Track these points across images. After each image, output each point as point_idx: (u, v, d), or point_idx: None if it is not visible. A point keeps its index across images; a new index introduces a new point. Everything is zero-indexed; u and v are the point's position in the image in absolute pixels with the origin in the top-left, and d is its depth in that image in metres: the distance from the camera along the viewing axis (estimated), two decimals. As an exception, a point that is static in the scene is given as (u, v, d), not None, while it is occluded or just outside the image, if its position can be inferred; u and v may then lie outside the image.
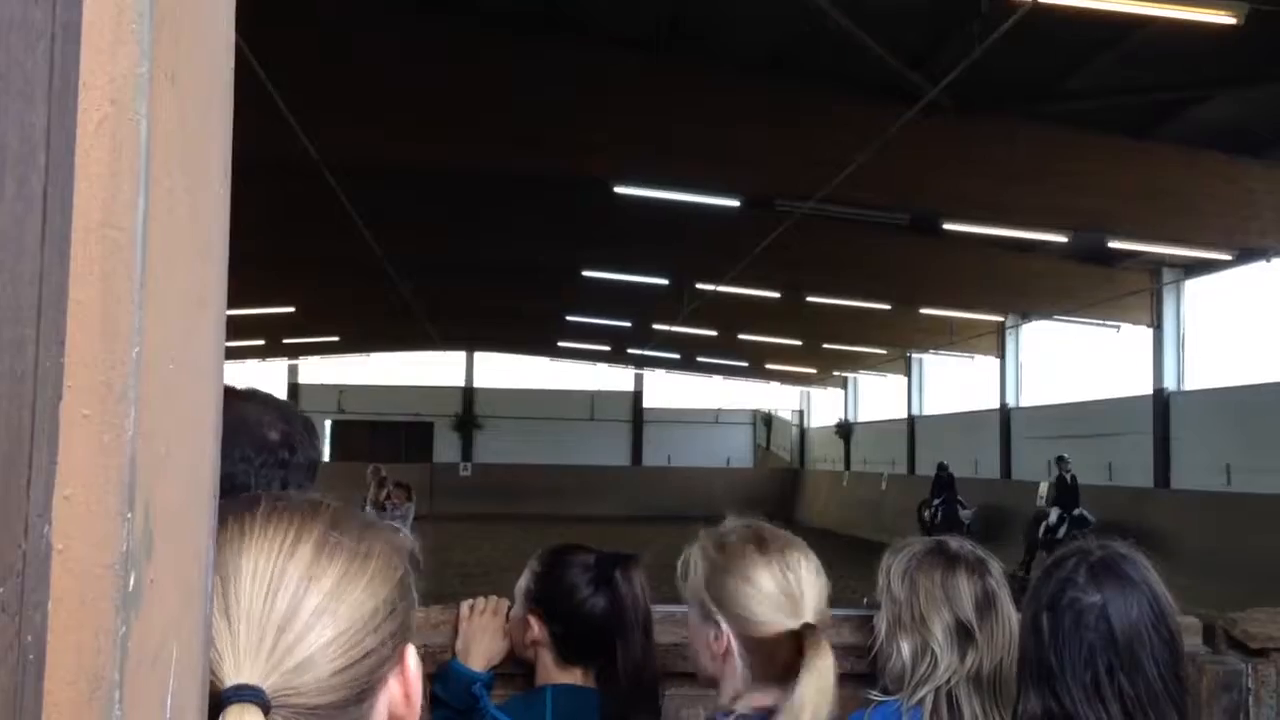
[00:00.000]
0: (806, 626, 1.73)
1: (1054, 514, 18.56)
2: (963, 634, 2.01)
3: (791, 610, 1.75)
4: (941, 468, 23.02)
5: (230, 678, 0.81)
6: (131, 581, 0.70)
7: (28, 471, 0.66)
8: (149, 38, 0.72)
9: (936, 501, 22.42)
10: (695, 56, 12.06)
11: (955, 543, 2.16)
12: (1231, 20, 8.42)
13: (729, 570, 1.78)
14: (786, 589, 1.76)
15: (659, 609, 2.25)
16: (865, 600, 2.17)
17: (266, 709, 0.80)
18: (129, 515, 0.69)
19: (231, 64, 0.89)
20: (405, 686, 0.91)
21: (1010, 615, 2.06)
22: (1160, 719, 1.70)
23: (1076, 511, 18.29)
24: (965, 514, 21.55)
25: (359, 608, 0.87)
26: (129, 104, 0.71)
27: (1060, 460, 19.05)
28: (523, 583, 2.21)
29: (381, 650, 0.87)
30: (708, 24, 11.50)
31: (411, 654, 0.92)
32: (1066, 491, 18.83)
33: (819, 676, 1.66)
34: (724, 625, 1.76)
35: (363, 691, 0.86)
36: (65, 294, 0.67)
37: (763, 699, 1.74)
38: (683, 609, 2.39)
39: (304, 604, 0.84)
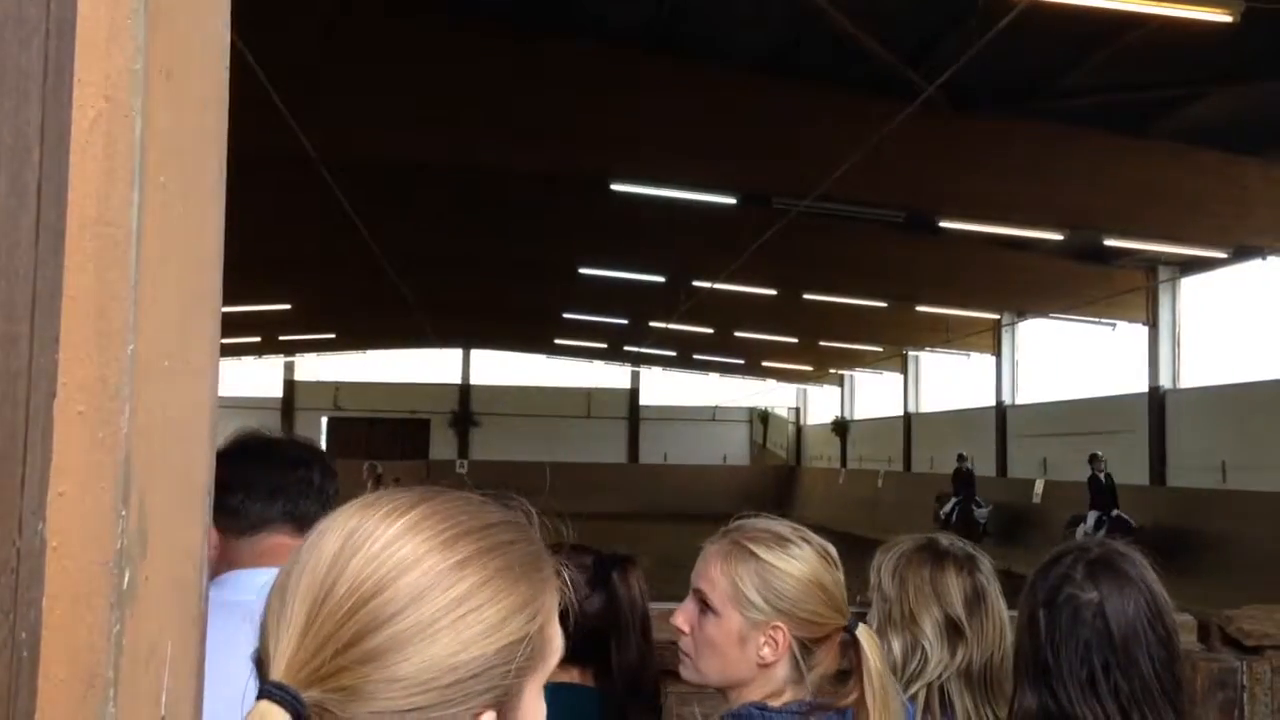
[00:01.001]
0: (854, 620, 1.71)
1: (1091, 517, 17.09)
2: (952, 630, 2.02)
3: (841, 607, 1.72)
4: (961, 459, 21.53)
5: (278, 671, 0.79)
6: (126, 579, 0.70)
7: (22, 468, 0.65)
8: (144, 34, 0.72)
9: (954, 499, 21.17)
10: (692, 53, 12.05)
11: (945, 540, 2.16)
12: (1227, 18, 8.41)
13: (788, 572, 1.69)
14: (838, 582, 1.73)
15: (659, 606, 2.25)
16: (858, 599, 2.17)
17: (299, 717, 0.77)
18: (123, 512, 0.69)
19: (227, 60, 0.89)
20: None
21: (1000, 611, 2.06)
22: (1156, 716, 1.70)
23: (1115, 513, 16.93)
24: (981, 513, 20.26)
25: (434, 661, 0.80)
26: (124, 100, 0.71)
27: (1094, 459, 17.60)
28: None
29: (443, 709, 0.80)
30: (705, 21, 11.49)
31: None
32: (1102, 492, 17.39)
33: (885, 660, 1.67)
34: (785, 629, 1.67)
35: None
36: (60, 291, 0.67)
37: (797, 694, 1.70)
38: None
39: (379, 633, 0.79)
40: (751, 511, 1.84)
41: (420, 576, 0.81)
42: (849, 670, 1.68)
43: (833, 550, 1.77)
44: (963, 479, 21.31)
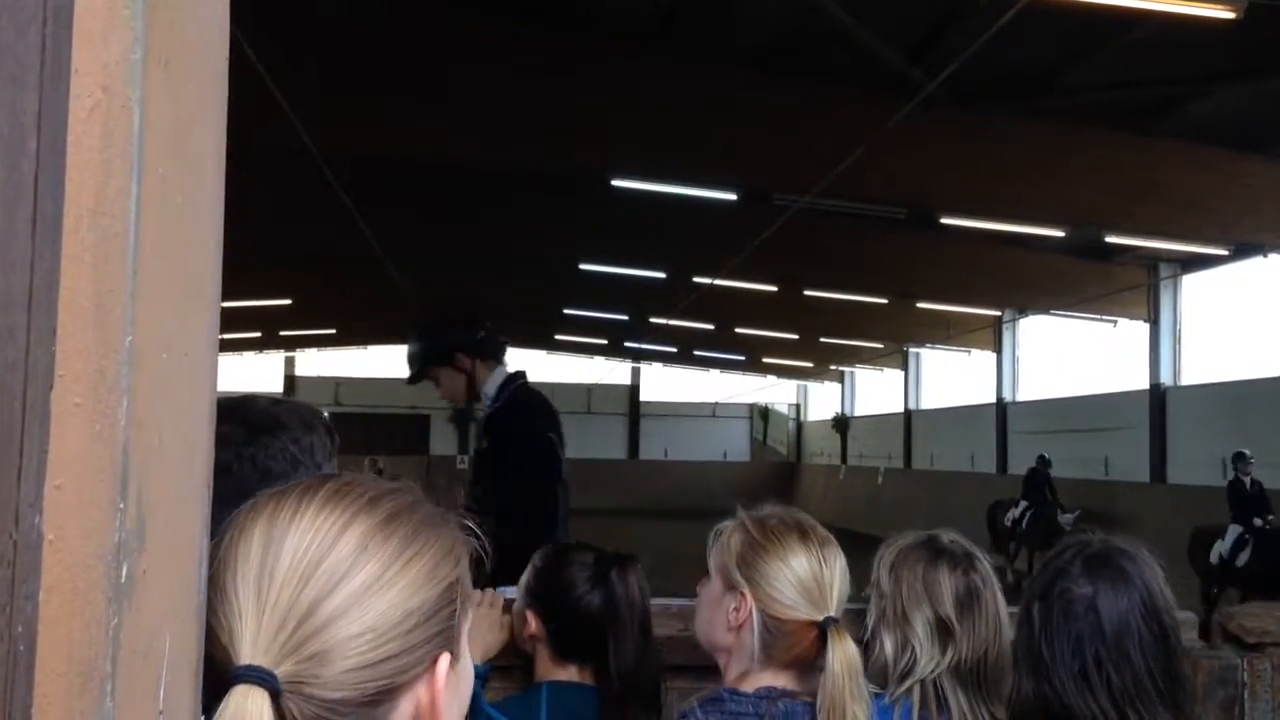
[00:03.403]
0: (830, 619, 1.76)
1: (1231, 534, 13.30)
2: (942, 630, 2.00)
3: (818, 602, 1.79)
4: (1043, 463, 18.68)
5: (245, 656, 0.81)
6: (124, 572, 0.69)
7: (18, 460, 0.65)
8: (142, 23, 0.71)
9: (1023, 504, 18.44)
10: (693, 49, 12.03)
11: (946, 537, 2.14)
12: (1230, 15, 8.40)
13: (767, 549, 1.82)
14: (819, 579, 1.80)
15: (657, 602, 2.25)
16: (863, 594, 2.17)
17: (276, 694, 0.79)
18: (121, 505, 0.69)
19: (226, 51, 0.88)
20: (432, 696, 0.88)
21: (995, 611, 2.04)
22: (1150, 711, 1.70)
23: (1261, 523, 13.17)
24: (1066, 518, 17.16)
25: (393, 608, 0.85)
26: (122, 90, 0.70)
27: (1239, 459, 14.00)
28: (525, 577, 2.23)
29: (409, 655, 0.85)
30: (706, 17, 11.48)
31: (444, 664, 0.89)
32: (1246, 501, 13.60)
33: (847, 665, 1.71)
34: (749, 598, 1.79)
35: (380, 693, 0.84)
36: (57, 282, 0.67)
37: (774, 680, 1.78)
38: (681, 602, 2.39)
39: (335, 594, 0.83)
40: (779, 502, 1.97)
41: (358, 535, 0.86)
42: None
43: (830, 552, 1.84)
44: (1036, 482, 18.72)
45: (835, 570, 1.82)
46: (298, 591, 0.82)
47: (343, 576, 0.84)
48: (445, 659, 0.89)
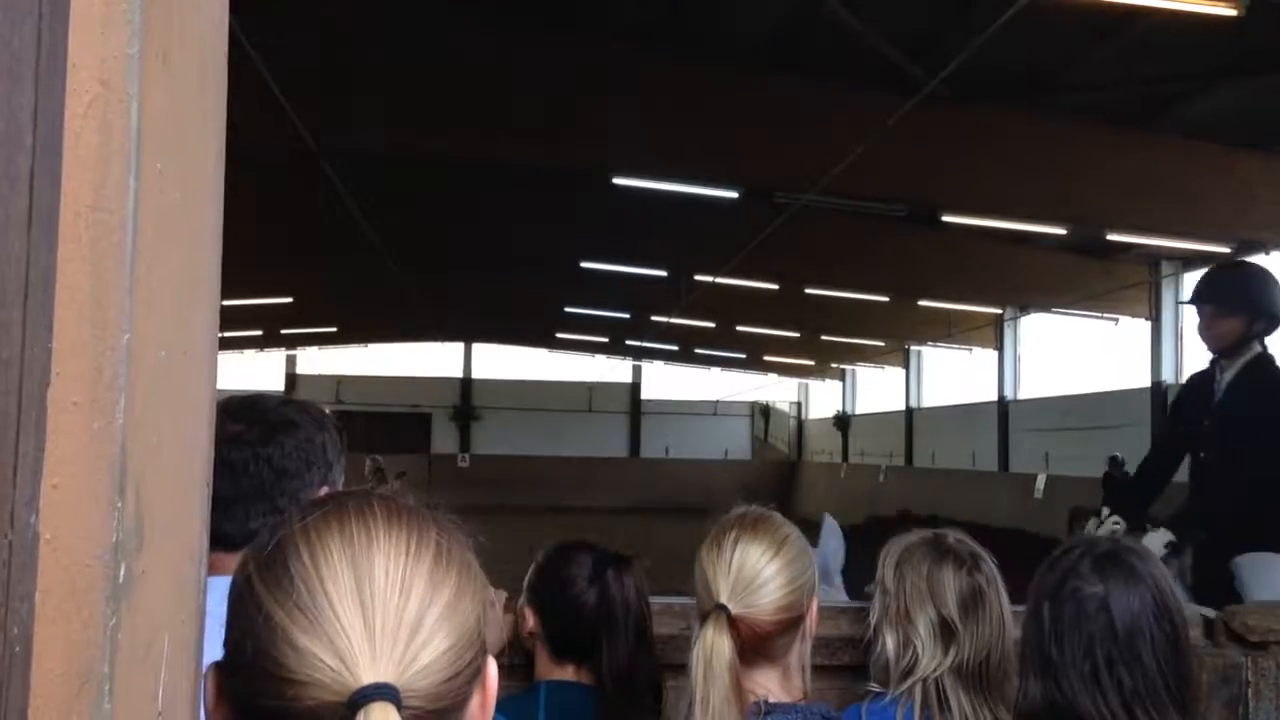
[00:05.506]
0: (716, 606, 1.73)
1: None
2: (945, 631, 1.98)
3: (712, 591, 1.76)
4: (1116, 464, 16.84)
5: (367, 676, 0.80)
6: (122, 573, 0.69)
7: (14, 459, 0.64)
8: (140, 18, 0.70)
9: (1110, 514, 16.58)
10: (694, 47, 12.02)
11: (952, 537, 2.13)
12: (1232, 12, 8.39)
13: (697, 557, 1.84)
14: (715, 571, 1.78)
15: (659, 600, 2.24)
16: (866, 589, 2.16)
17: (400, 709, 0.80)
18: (119, 505, 0.68)
19: (225, 46, 0.88)
20: (484, 698, 0.91)
21: (998, 613, 2.03)
22: (1160, 712, 1.69)
23: None
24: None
25: (467, 619, 0.87)
26: (119, 85, 0.69)
27: None
28: (529, 574, 2.23)
29: (476, 661, 0.88)
30: (707, 14, 11.47)
31: (492, 666, 0.92)
32: None
33: (703, 656, 1.67)
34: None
35: (460, 701, 0.86)
36: (53, 278, 0.66)
37: (751, 685, 1.78)
38: (683, 600, 2.39)
39: (430, 610, 0.84)
40: (737, 503, 1.93)
41: (434, 551, 0.88)
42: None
43: (744, 539, 1.80)
44: (1119, 488, 17.48)
45: (732, 556, 1.77)
46: (403, 606, 0.83)
47: (435, 588, 0.86)
48: (492, 663, 0.91)
